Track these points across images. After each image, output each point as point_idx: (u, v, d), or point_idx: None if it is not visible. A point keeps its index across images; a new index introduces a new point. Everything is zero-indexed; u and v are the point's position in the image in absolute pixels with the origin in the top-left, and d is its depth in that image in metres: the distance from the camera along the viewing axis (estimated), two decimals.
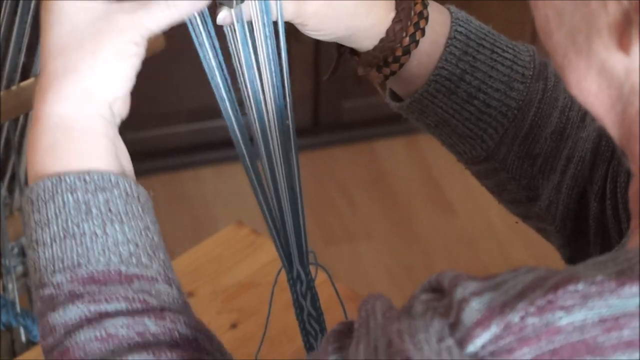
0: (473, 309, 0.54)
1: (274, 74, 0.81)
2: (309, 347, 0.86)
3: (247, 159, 0.81)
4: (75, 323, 0.69)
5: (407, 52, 0.84)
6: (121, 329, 0.69)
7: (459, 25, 0.86)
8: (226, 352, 0.75)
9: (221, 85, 0.79)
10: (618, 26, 0.56)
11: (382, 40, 0.84)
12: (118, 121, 0.75)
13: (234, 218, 1.35)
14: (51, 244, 0.71)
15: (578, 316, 0.53)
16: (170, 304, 0.72)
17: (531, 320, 0.53)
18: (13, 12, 0.98)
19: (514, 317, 0.53)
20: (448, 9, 0.87)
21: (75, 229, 0.71)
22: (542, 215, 0.90)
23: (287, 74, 0.82)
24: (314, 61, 2.31)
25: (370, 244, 2.24)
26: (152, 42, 1.06)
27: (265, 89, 0.81)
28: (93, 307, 0.69)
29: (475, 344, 0.53)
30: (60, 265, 0.71)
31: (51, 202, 0.71)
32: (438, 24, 0.86)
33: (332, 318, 0.88)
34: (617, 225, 0.85)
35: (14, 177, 1.12)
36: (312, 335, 0.85)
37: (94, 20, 0.74)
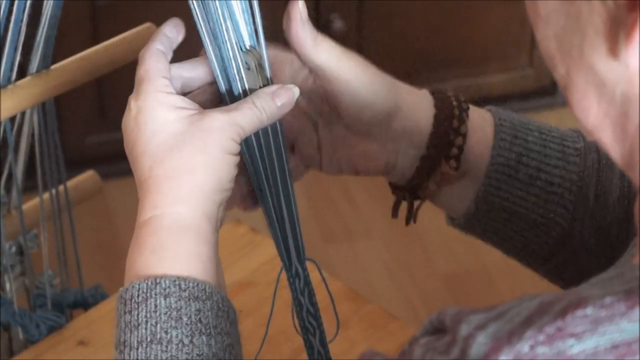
0: (480, 344, 0.53)
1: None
2: (309, 345, 0.86)
3: (247, 155, 0.81)
4: None
5: (462, 120, 0.84)
6: None
7: (500, 115, 0.86)
8: None
9: (221, 79, 0.79)
10: (607, 32, 0.55)
11: (436, 115, 0.84)
12: (219, 226, 0.77)
13: (233, 216, 1.34)
14: (137, 347, 0.71)
15: (589, 343, 0.52)
16: None
17: (541, 350, 0.52)
18: (9, 11, 0.98)
19: (523, 347, 0.52)
20: (480, 105, 0.87)
21: (164, 334, 0.71)
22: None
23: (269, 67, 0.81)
24: None
25: (369, 242, 2.24)
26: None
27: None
28: None
29: None
30: None
31: (144, 305, 0.72)
32: (481, 118, 0.86)
33: (330, 316, 0.88)
34: None
35: (10, 176, 1.11)
36: (310, 333, 0.85)
37: (192, 121, 0.75)
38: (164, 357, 0.71)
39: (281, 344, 1.04)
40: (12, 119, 1.09)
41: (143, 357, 0.71)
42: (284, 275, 0.84)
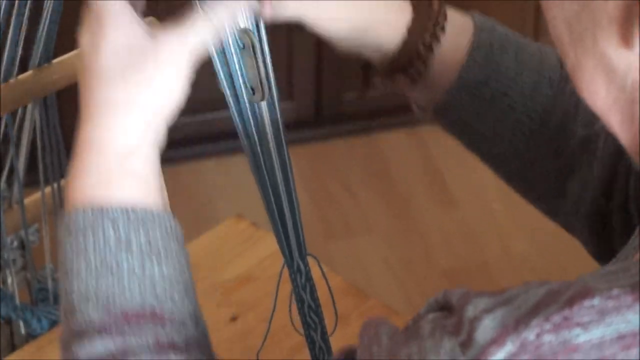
0: (486, 327, 0.53)
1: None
2: (310, 340, 0.86)
3: (250, 150, 0.81)
4: (101, 358, 0.68)
5: (430, 48, 0.84)
6: None
7: (482, 32, 0.85)
8: None
9: (224, 76, 0.79)
10: (620, 21, 0.55)
11: (405, 39, 0.84)
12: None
13: (234, 210, 1.34)
14: (86, 277, 0.70)
15: (596, 333, 0.52)
16: (196, 345, 0.71)
17: (547, 338, 0.52)
18: (10, 6, 0.98)
19: (530, 335, 0.52)
20: (472, 16, 0.87)
21: (114, 264, 0.70)
22: (569, 212, 0.89)
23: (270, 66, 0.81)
24: (316, 53, 2.30)
25: (370, 238, 2.24)
26: None
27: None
28: (120, 342, 0.68)
29: None
30: (94, 300, 0.69)
31: (91, 234, 0.70)
32: (460, 31, 0.85)
33: (331, 312, 0.88)
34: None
35: (12, 170, 1.11)
36: (312, 328, 0.86)
37: (145, 38, 0.73)
38: (115, 287, 0.69)
39: (282, 339, 1.04)
40: (14, 114, 1.09)
41: (94, 287, 0.69)
42: (284, 270, 0.84)
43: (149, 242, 0.71)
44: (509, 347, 0.52)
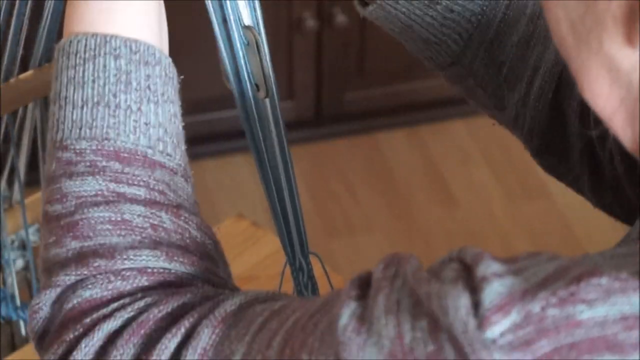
0: (494, 291, 0.53)
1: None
2: None
3: (254, 147, 0.80)
4: (91, 198, 0.66)
5: None
6: (137, 217, 0.66)
7: None
8: (227, 262, 0.73)
9: (232, 75, 0.79)
10: (624, 20, 0.55)
11: None
12: None
13: (235, 210, 1.35)
14: (82, 107, 0.67)
15: (600, 311, 0.52)
16: (185, 201, 0.69)
17: (552, 312, 0.52)
18: (11, 5, 0.98)
19: (535, 307, 0.52)
20: None
21: (112, 97, 0.67)
22: (510, 125, 0.89)
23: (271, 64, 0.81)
24: (315, 53, 2.30)
25: (371, 236, 2.24)
26: None
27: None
28: (113, 186, 0.66)
29: (494, 331, 0.52)
30: (88, 132, 0.67)
31: (91, 62, 0.67)
32: None
33: None
34: (610, 156, 0.83)
35: (13, 170, 1.11)
36: None
37: None
38: (111, 122, 0.67)
39: None
40: (14, 113, 1.09)
41: (88, 118, 0.67)
42: (287, 269, 0.84)
43: (148, 81, 0.68)
44: (513, 317, 0.52)
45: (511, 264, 0.55)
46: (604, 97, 0.58)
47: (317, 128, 2.41)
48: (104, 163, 0.66)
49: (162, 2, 0.72)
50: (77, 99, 0.67)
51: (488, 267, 0.54)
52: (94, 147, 0.67)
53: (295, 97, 2.37)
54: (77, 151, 0.67)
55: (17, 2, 0.98)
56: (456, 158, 2.33)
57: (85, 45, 0.68)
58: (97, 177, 0.66)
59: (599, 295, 0.52)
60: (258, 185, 0.84)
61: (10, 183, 1.14)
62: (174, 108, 0.70)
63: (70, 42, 0.68)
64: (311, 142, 2.39)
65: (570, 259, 0.55)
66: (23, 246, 1.17)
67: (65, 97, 0.68)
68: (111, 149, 0.67)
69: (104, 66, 0.67)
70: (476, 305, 0.53)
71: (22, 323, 1.14)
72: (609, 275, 0.53)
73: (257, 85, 0.79)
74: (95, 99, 0.67)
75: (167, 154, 0.69)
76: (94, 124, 0.67)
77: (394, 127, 2.41)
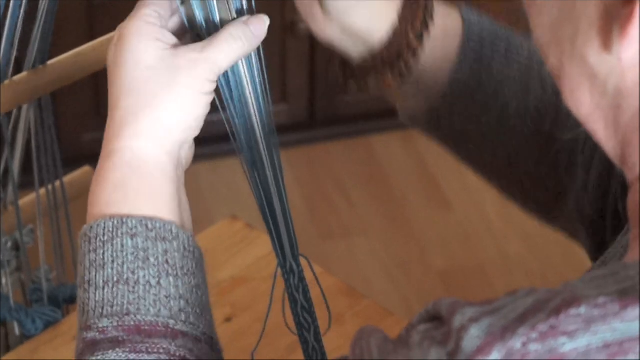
0: (472, 336, 0.53)
1: (253, 68, 0.80)
2: (304, 341, 0.86)
3: (246, 152, 0.81)
4: None
5: (420, 39, 0.81)
6: None
7: (472, 26, 0.84)
8: None
9: (223, 81, 0.79)
10: (600, 25, 0.55)
11: (395, 26, 0.82)
12: (184, 166, 0.76)
13: (229, 212, 1.35)
14: (103, 287, 0.70)
15: (582, 342, 0.52)
16: None
17: (534, 347, 0.52)
18: (5, 6, 0.98)
19: (516, 343, 0.52)
20: (459, 9, 0.85)
21: (130, 275, 0.70)
22: (571, 216, 0.87)
23: (264, 66, 0.81)
24: (309, 56, 2.30)
25: (366, 239, 2.24)
26: None
27: (245, 84, 0.80)
28: (132, 356, 0.68)
29: None
30: (109, 310, 0.69)
31: (109, 244, 0.70)
32: (449, 24, 0.84)
33: (325, 312, 0.89)
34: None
35: (7, 171, 1.11)
36: (305, 329, 0.86)
37: (164, 57, 0.73)
38: (131, 298, 0.69)
39: (277, 339, 1.04)
40: (9, 115, 1.09)
41: (109, 297, 0.70)
42: (279, 271, 0.85)
43: (166, 256, 0.71)
44: (495, 356, 0.52)
45: (487, 305, 0.55)
46: (586, 105, 0.58)
47: (311, 131, 2.41)
48: (124, 337, 0.69)
49: (182, 176, 0.75)
50: (98, 280, 0.70)
51: (464, 316, 0.54)
52: (114, 324, 0.69)
53: (288, 100, 2.37)
54: (100, 329, 0.69)
55: (12, 3, 0.98)
56: (450, 161, 2.32)
57: (104, 228, 0.71)
58: (117, 349, 0.68)
59: (580, 325, 0.52)
60: None
61: (4, 184, 1.14)
62: (196, 280, 0.72)
63: (91, 226, 0.71)
64: (305, 145, 2.39)
65: (549, 291, 0.55)
66: (17, 247, 1.17)
67: (89, 281, 0.71)
68: (132, 323, 0.69)
69: (122, 246, 0.70)
70: (455, 354, 0.53)
71: (15, 324, 1.14)
72: (588, 303, 0.52)
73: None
74: (115, 278, 0.70)
75: (191, 323, 0.71)
76: (115, 301, 0.70)
77: (388, 130, 2.41)
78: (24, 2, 0.99)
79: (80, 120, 2.29)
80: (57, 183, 1.15)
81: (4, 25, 0.99)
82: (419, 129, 0.88)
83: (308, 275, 0.86)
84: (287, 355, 1.07)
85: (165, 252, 0.71)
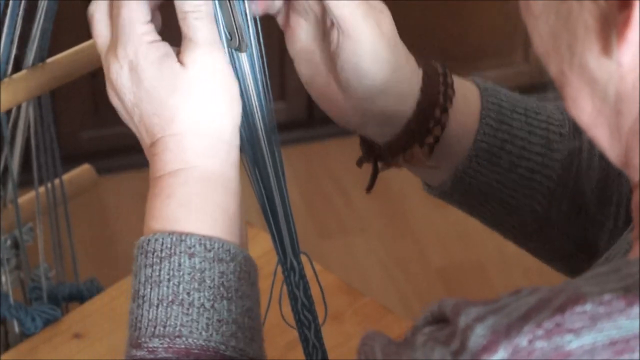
0: (478, 335, 0.53)
1: (255, 65, 0.80)
2: (304, 338, 0.86)
3: (247, 149, 0.81)
4: None
5: (445, 110, 0.82)
6: None
7: (489, 96, 0.84)
8: None
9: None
10: (598, 30, 0.55)
11: (419, 100, 0.82)
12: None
13: None
14: (157, 305, 0.70)
15: (587, 339, 0.52)
16: None
17: (540, 344, 0.52)
18: (5, 4, 0.98)
19: (522, 341, 0.52)
20: (473, 80, 0.86)
21: (186, 296, 0.70)
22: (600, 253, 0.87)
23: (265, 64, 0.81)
24: None
25: (364, 237, 2.24)
26: None
27: (246, 82, 0.80)
28: None
29: None
30: (161, 330, 0.69)
31: (167, 261, 0.70)
32: (467, 93, 0.84)
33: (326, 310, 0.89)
34: None
35: (6, 169, 1.11)
36: (305, 326, 0.86)
37: (184, 73, 0.74)
38: (184, 320, 0.69)
39: (276, 336, 1.04)
40: (8, 113, 1.09)
41: (162, 317, 0.69)
42: (279, 268, 0.85)
43: (222, 279, 0.71)
44: (501, 354, 0.52)
45: (491, 303, 0.55)
46: (587, 112, 0.58)
47: (309, 129, 2.41)
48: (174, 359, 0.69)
49: (239, 197, 0.75)
50: (153, 297, 0.70)
51: (468, 316, 0.54)
52: (165, 345, 0.69)
53: (287, 98, 2.37)
54: (150, 349, 0.69)
55: (11, 1, 0.98)
56: None
57: (162, 243, 0.70)
58: None
59: (585, 323, 0.52)
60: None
61: (3, 182, 1.14)
62: (250, 303, 0.72)
63: (149, 240, 0.71)
64: (303, 143, 2.39)
65: (551, 289, 0.55)
66: (16, 245, 1.17)
67: (143, 296, 0.70)
68: (182, 346, 0.69)
69: (179, 265, 0.70)
70: (460, 352, 0.53)
71: (15, 322, 1.14)
72: (593, 301, 0.52)
73: (230, 35, 0.78)
74: (170, 298, 0.70)
75: (240, 349, 0.71)
76: (168, 322, 0.69)
77: None
78: (24, 0, 0.99)
79: (79, 119, 2.29)
80: (57, 181, 1.15)
81: (3, 23, 0.99)
82: (445, 199, 0.88)
83: (309, 272, 0.86)
84: (287, 353, 1.07)
85: (222, 274, 0.71)
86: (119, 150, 2.26)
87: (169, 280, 0.70)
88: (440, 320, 0.57)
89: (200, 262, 0.70)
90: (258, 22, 0.80)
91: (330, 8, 0.78)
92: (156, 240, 0.71)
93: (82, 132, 2.29)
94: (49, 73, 1.05)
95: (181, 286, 0.70)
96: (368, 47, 0.79)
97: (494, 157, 0.84)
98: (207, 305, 0.70)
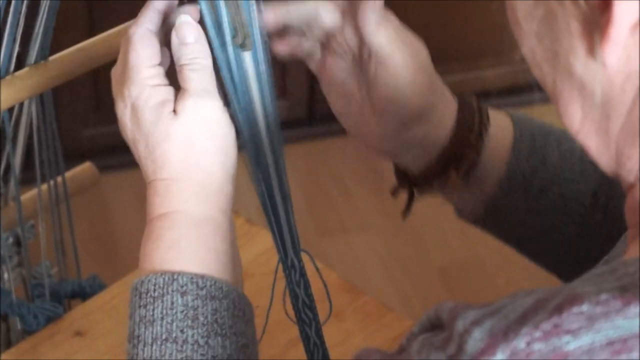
0: (476, 339, 0.53)
1: (259, 65, 0.81)
2: (305, 336, 0.86)
3: (249, 147, 0.81)
4: None
5: (480, 137, 0.83)
6: None
7: (521, 125, 0.85)
8: None
9: (227, 76, 0.79)
10: (584, 33, 0.56)
11: (455, 126, 0.83)
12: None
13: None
14: (152, 344, 0.71)
15: (585, 339, 0.52)
16: None
17: (538, 346, 0.52)
18: (7, 2, 0.98)
19: (520, 343, 0.52)
20: (506, 112, 0.87)
21: (179, 333, 0.70)
22: None
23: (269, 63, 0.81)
24: None
25: (365, 235, 2.24)
26: None
27: (250, 80, 0.80)
28: None
29: None
30: None
31: (160, 301, 0.71)
32: (500, 123, 0.85)
33: (326, 308, 0.89)
34: None
35: (8, 167, 1.11)
36: (306, 324, 0.86)
37: (181, 120, 0.76)
38: (178, 357, 0.70)
39: (277, 334, 1.05)
40: (10, 110, 1.09)
41: (157, 355, 0.70)
42: (280, 266, 0.85)
43: (215, 316, 0.71)
44: (499, 357, 0.52)
45: (488, 306, 0.55)
46: (578, 119, 0.58)
47: (310, 127, 2.41)
48: None
49: (231, 239, 0.76)
50: (147, 336, 0.71)
51: (465, 320, 0.54)
52: None
53: (288, 96, 2.38)
54: None
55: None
56: None
57: (155, 284, 0.72)
58: None
59: (583, 323, 0.52)
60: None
61: (5, 180, 1.14)
62: (245, 340, 0.73)
63: (142, 281, 0.72)
64: (304, 141, 2.39)
65: (548, 290, 0.55)
66: (18, 243, 1.17)
67: (138, 336, 0.71)
68: None
69: (172, 303, 0.71)
70: (457, 356, 0.53)
71: (17, 319, 1.14)
72: (590, 301, 0.52)
73: (236, 31, 0.79)
74: (164, 336, 0.70)
75: None
76: None
77: None
78: None
79: (81, 116, 2.29)
80: (59, 179, 1.15)
81: (6, 20, 0.99)
82: (478, 225, 0.89)
83: (310, 270, 0.86)
84: (288, 351, 1.07)
85: (215, 311, 0.71)
86: (121, 148, 2.25)
87: (162, 319, 0.71)
88: (437, 326, 0.57)
89: (193, 300, 0.71)
90: (263, 20, 0.80)
91: (368, 38, 0.79)
92: (149, 281, 0.72)
93: (84, 129, 2.29)
94: (51, 71, 1.05)
95: (174, 324, 0.71)
96: (405, 74, 0.80)
97: (526, 184, 0.85)
98: (202, 342, 0.71)
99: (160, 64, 0.78)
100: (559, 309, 0.53)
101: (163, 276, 0.72)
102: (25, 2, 0.99)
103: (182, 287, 0.71)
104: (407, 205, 0.90)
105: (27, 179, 1.17)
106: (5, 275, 1.15)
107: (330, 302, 0.88)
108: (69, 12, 2.11)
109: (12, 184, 1.13)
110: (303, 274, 0.85)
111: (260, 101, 0.81)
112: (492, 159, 0.85)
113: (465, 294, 2.11)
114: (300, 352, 0.87)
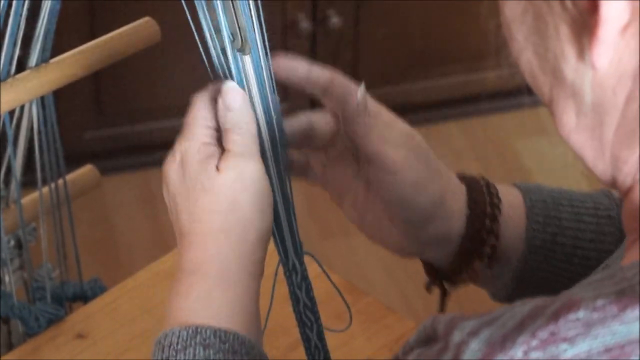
0: (473, 350, 0.53)
1: (261, 68, 0.81)
2: (306, 339, 0.86)
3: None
4: None
5: (495, 219, 0.83)
6: None
7: (531, 194, 0.85)
8: None
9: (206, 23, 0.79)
10: (574, 37, 0.56)
11: (468, 214, 0.83)
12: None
13: None
14: None
15: (583, 347, 0.51)
16: None
17: (535, 355, 0.52)
18: (8, 5, 0.98)
19: (517, 352, 0.52)
20: (513, 184, 0.87)
21: None
22: None
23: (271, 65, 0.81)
24: (309, 55, 2.31)
25: (366, 238, 2.24)
26: (148, 34, 1.06)
27: (250, 82, 0.80)
28: None
29: None
30: None
31: (182, 353, 0.71)
32: (510, 197, 0.85)
33: (328, 310, 0.89)
34: None
35: (9, 169, 1.11)
36: (307, 327, 0.86)
37: (220, 181, 0.77)
38: None
39: (278, 337, 1.05)
40: (11, 113, 1.09)
41: None
42: (280, 269, 0.85)
43: None
44: None
45: (485, 316, 0.55)
46: (572, 128, 0.58)
47: None
48: None
49: (257, 296, 0.77)
50: None
51: (462, 330, 0.54)
52: None
53: (289, 99, 2.38)
54: None
55: (15, 1, 0.98)
56: (449, 159, 2.33)
57: (178, 336, 0.72)
58: None
59: (579, 330, 0.52)
60: None
61: (6, 182, 1.14)
62: None
63: (166, 334, 0.73)
64: None
65: (545, 298, 0.55)
66: (19, 245, 1.17)
67: None
68: None
69: (194, 356, 0.71)
70: None
71: (19, 322, 1.14)
72: (586, 307, 0.52)
73: (233, 35, 0.79)
74: None
75: None
76: None
77: None
78: (27, 0, 0.99)
79: (82, 119, 2.29)
80: (60, 181, 1.16)
81: (7, 23, 0.99)
82: (511, 301, 0.89)
83: (312, 272, 0.86)
84: (289, 353, 1.07)
85: None
86: (122, 151, 2.26)
87: None
88: (432, 339, 0.57)
89: (215, 354, 0.71)
90: (263, 23, 0.80)
91: (360, 142, 0.82)
92: (173, 334, 0.72)
93: (85, 132, 2.29)
94: (52, 73, 1.05)
95: None
96: (406, 176, 0.81)
97: (548, 252, 0.85)
98: None
99: (216, 130, 0.79)
100: (556, 316, 0.52)
101: (187, 329, 0.72)
102: (26, 4, 0.99)
103: (205, 340, 0.72)
104: (441, 302, 0.90)
105: (28, 182, 1.17)
106: (7, 278, 1.15)
107: (347, 305, 0.88)
108: (70, 15, 2.11)
109: (13, 186, 1.13)
110: (305, 277, 0.85)
111: (262, 105, 0.81)
112: (511, 237, 0.85)
113: (464, 295, 2.11)
114: (301, 354, 0.87)
